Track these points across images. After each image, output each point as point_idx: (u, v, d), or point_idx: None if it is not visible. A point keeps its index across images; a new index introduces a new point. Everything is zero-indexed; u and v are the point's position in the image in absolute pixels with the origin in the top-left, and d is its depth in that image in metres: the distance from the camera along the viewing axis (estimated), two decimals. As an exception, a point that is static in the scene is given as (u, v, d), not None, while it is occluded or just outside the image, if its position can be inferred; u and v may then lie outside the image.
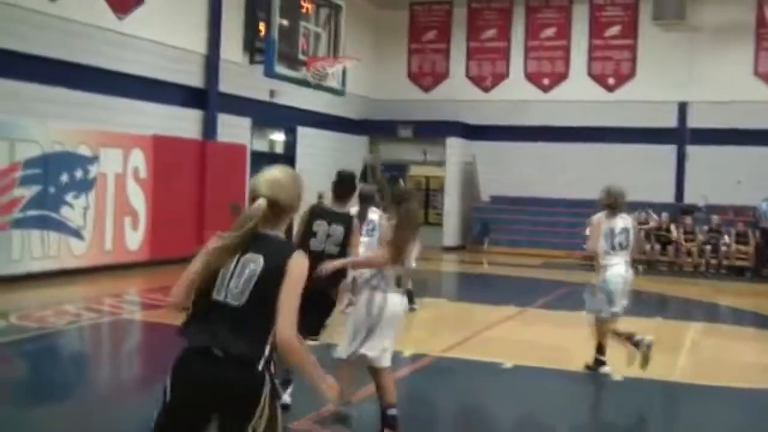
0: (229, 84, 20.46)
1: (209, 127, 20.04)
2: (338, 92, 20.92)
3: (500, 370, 9.77)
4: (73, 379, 9.41)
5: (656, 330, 11.58)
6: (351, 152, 26.52)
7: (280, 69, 18.67)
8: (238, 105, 21.02)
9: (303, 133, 24.09)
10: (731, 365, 10.96)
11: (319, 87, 20.12)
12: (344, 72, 20.52)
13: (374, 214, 9.76)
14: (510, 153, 26.55)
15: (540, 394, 9.16)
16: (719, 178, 23.87)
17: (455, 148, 26.78)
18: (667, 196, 24.78)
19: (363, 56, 23.63)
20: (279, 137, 24.25)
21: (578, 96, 26.14)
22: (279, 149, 24.28)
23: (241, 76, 20.76)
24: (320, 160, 23.10)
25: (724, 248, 21.88)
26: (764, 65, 24.77)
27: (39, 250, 15.16)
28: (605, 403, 9.40)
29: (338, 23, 20.63)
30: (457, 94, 27.38)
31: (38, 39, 15.29)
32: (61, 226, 15.67)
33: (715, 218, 22.26)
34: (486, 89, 27.43)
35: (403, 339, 11.68)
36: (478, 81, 27.53)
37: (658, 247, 22.05)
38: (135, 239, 17.55)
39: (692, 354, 11.58)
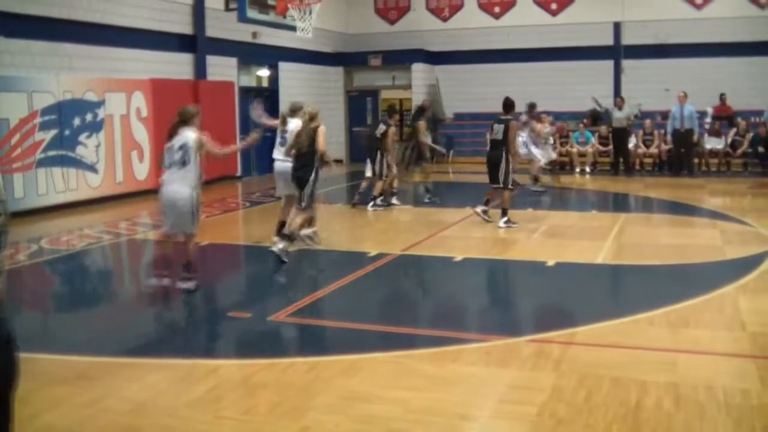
0: (215, 29, 20.75)
1: (200, 68, 20.58)
2: (306, 31, 19.83)
3: (451, 263, 10.53)
4: (97, 289, 10.22)
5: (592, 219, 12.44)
6: (328, 82, 27.15)
7: (252, 14, 18.74)
8: (225, 47, 21.37)
9: (284, 68, 24.56)
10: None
11: (288, 27, 19.96)
12: (310, 12, 19.66)
13: None
14: (468, 74, 27.19)
15: (480, 280, 10.07)
16: (651, 89, 24.65)
17: (419, 72, 27.20)
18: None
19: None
20: (263, 73, 24.65)
21: (526, 21, 26.69)
22: (264, 84, 24.67)
23: (225, 21, 20.86)
24: (300, 91, 23.66)
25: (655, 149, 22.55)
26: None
27: (61, 185, 15.86)
28: (541, 283, 9.64)
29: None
30: (420, 25, 27.88)
31: (45, 1, 15.83)
32: (77, 163, 16.31)
33: (647, 122, 22.80)
34: (444, 19, 27.86)
35: (369, 241, 12.57)
36: (437, 12, 27.89)
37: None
38: (142, 170, 18.16)
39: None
